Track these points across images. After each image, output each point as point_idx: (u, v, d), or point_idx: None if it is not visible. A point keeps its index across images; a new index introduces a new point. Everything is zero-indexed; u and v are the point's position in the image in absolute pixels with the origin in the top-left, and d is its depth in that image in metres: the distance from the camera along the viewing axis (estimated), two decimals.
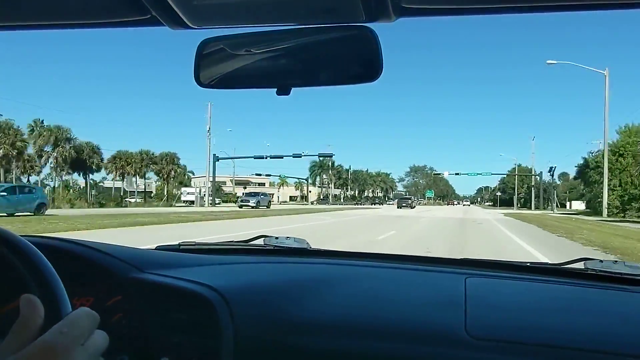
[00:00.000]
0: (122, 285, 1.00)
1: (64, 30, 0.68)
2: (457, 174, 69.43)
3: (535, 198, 66.83)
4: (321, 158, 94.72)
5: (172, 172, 57.13)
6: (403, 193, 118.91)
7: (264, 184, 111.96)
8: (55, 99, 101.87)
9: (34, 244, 0.57)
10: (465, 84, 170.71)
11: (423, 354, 0.87)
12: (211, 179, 52.94)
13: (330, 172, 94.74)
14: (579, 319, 0.95)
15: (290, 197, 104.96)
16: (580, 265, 1.21)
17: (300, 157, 49.62)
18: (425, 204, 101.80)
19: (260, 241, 1.51)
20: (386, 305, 1.01)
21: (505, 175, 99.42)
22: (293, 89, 0.73)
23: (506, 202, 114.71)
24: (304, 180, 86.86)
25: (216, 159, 50.39)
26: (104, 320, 0.88)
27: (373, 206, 63.10)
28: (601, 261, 1.19)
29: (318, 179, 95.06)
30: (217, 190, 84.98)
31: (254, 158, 50.22)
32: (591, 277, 1.17)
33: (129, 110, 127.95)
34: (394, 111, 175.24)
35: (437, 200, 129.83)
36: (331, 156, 46.39)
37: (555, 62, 28.33)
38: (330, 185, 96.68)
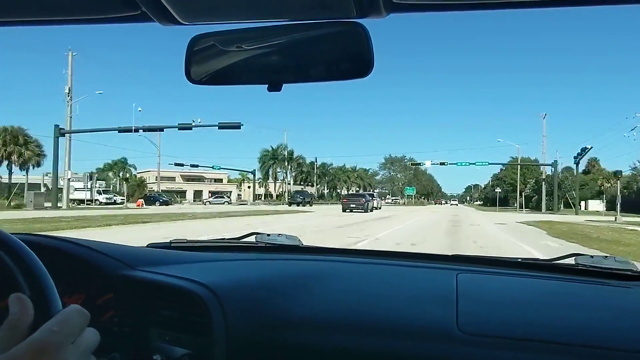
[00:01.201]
0: (113, 282, 1.01)
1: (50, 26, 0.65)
2: (442, 163, 51.56)
3: (546, 196, 49.01)
4: (273, 147, 76.76)
5: (16, 156, 37.54)
6: (385, 192, 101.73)
7: (221, 180, 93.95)
8: None
9: (24, 241, 0.57)
10: (456, 74, 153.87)
11: (415, 349, 0.87)
12: (68, 165, 33.90)
13: (287, 163, 75.91)
14: (569, 314, 0.96)
15: (257, 195, 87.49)
16: (571, 261, 1.23)
17: (190, 128, 31.04)
18: (405, 204, 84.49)
19: (252, 238, 1.52)
20: (378, 302, 1.01)
21: (504, 167, 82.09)
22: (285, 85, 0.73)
23: (501, 202, 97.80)
24: (250, 174, 68.05)
25: (59, 132, 31.32)
26: (95, 318, 0.91)
27: (298, 208, 40.11)
28: (592, 256, 1.21)
29: (275, 173, 76.29)
30: (137, 186, 66.13)
31: (118, 132, 31.28)
32: (582, 272, 1.18)
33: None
34: (372, 99, 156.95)
35: (421, 199, 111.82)
36: (239, 127, 27.41)
37: None
38: (286, 180, 77.91)
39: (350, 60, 0.72)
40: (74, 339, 0.45)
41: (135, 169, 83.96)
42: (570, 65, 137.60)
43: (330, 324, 0.94)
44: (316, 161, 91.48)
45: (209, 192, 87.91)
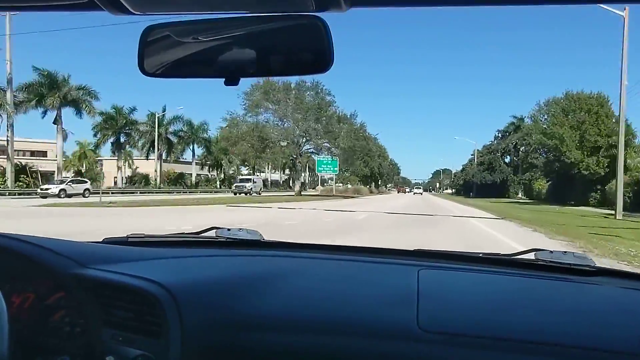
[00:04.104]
0: (64, 281, 0.99)
1: None
2: None
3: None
4: None
5: None
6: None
7: (44, 153, 50.74)
8: None
9: None
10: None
11: (376, 348, 0.87)
12: None
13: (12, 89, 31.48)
14: (528, 311, 0.97)
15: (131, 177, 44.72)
16: (531, 256, 1.24)
17: None
18: (314, 196, 42.39)
19: (211, 233, 1.48)
20: (340, 299, 1.01)
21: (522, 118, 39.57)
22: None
23: (495, 189, 57.87)
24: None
25: None
26: (45, 318, 0.95)
27: None
28: (551, 252, 1.22)
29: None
30: None
31: None
32: (541, 267, 1.20)
33: None
34: None
35: (358, 183, 68.53)
36: None
37: None
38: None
39: (309, 54, 0.70)
40: None
41: None
42: None
43: (290, 324, 0.92)
44: (163, 111, 48.03)
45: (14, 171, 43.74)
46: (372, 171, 70.98)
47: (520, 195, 60.20)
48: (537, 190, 49.90)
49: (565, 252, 1.22)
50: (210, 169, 61.34)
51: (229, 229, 1.46)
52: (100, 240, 1.40)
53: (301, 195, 38.17)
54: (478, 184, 61.90)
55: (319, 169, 43.46)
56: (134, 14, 0.57)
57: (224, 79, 0.71)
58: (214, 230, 1.47)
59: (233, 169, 64.46)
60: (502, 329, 0.87)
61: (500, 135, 64.35)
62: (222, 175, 63.59)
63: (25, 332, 0.92)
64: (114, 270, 1.01)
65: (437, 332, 0.87)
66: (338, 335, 0.89)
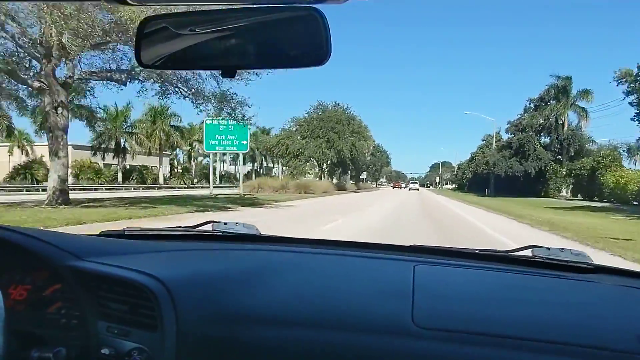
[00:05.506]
0: (60, 273, 1.00)
1: None
2: None
3: None
4: None
5: None
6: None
7: None
8: None
9: None
10: None
11: (371, 344, 0.88)
12: None
13: None
14: (524, 307, 0.97)
15: None
16: (528, 253, 1.24)
17: None
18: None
19: (208, 227, 1.50)
20: (335, 294, 1.03)
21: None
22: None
23: (512, 184, 38.25)
24: None
25: None
26: (42, 310, 0.98)
27: None
28: (548, 249, 1.22)
29: None
30: None
31: None
32: (539, 264, 1.20)
33: None
34: None
35: (324, 176, 46.34)
36: None
37: None
38: None
39: (307, 46, 0.69)
40: None
41: None
42: None
43: (285, 318, 0.93)
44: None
45: None
46: (340, 155, 44.66)
47: (564, 194, 40.42)
48: (613, 187, 30.07)
49: (562, 249, 1.21)
50: (107, 155, 41.47)
51: (225, 223, 1.45)
52: (97, 233, 1.40)
53: (66, 205, 13.33)
54: (502, 176, 42.15)
55: (208, 144, 23.50)
56: (131, 4, 0.56)
57: (221, 71, 0.72)
58: (211, 224, 1.47)
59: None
60: (497, 326, 0.87)
61: (532, 105, 44.15)
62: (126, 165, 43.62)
63: (22, 324, 0.92)
64: (111, 263, 1.01)
65: (431, 328, 0.87)
66: (333, 329, 0.89)
